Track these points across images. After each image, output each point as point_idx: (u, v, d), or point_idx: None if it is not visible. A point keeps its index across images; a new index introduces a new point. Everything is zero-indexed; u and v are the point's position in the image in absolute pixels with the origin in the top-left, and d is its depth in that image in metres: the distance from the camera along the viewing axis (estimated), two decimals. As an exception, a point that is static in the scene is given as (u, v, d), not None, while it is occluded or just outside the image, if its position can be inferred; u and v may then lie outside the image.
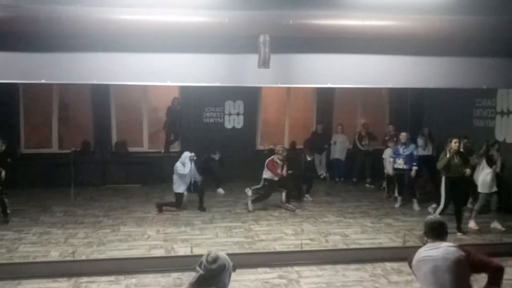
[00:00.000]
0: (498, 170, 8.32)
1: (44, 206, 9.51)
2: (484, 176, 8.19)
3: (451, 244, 3.68)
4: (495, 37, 6.67)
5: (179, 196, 9.14)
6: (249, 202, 9.36)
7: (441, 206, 8.02)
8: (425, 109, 12.69)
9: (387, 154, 10.59)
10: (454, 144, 7.94)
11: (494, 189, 8.21)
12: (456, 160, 7.97)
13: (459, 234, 7.86)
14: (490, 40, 6.75)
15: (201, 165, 10.11)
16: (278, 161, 9.39)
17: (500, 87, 9.01)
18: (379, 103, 13.38)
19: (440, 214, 7.97)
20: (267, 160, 9.51)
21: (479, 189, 8.28)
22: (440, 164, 8.08)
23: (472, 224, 8.26)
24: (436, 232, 3.74)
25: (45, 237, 7.52)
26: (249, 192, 10.25)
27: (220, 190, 10.92)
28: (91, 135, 12.01)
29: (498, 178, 8.32)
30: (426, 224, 3.82)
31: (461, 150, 8.27)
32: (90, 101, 11.95)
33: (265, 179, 9.49)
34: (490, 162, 8.19)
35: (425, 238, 3.82)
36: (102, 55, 6.39)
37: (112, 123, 12.10)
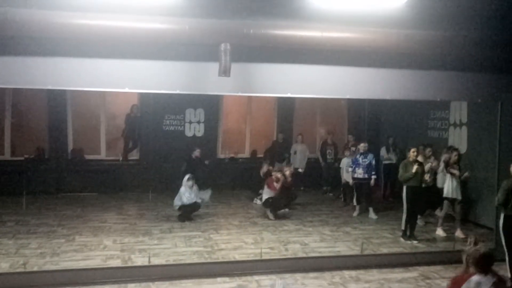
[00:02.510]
0: (462, 175, 8.41)
1: (-6, 215, 9.14)
2: (447, 183, 8.42)
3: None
4: (449, 52, 6.91)
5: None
6: (268, 212, 9.47)
7: (404, 216, 8.16)
8: (382, 120, 13.03)
9: (344, 163, 10.83)
10: (412, 153, 8.13)
11: (458, 196, 8.33)
12: (414, 168, 8.10)
13: (414, 242, 8.05)
14: (445, 55, 6.99)
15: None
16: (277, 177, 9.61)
17: (453, 99, 9.34)
18: (338, 113, 13.63)
19: (406, 223, 8.12)
20: (268, 179, 9.77)
21: (444, 196, 8.50)
22: (402, 177, 8.16)
23: (439, 232, 8.45)
24: (490, 264, 3.78)
25: (-5, 248, 7.22)
26: (257, 201, 10.48)
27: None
28: (46, 142, 11.66)
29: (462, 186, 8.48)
30: (482, 257, 3.76)
31: (419, 159, 8.43)
32: (46, 106, 11.60)
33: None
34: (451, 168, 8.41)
35: (473, 268, 3.78)
36: (59, 60, 6.22)
37: (68, 129, 11.79)
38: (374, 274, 6.71)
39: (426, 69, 7.22)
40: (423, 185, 8.35)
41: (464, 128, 9.92)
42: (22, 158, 10.89)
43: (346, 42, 6.53)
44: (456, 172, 8.36)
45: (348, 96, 7.73)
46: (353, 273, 6.72)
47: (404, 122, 11.83)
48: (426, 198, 8.72)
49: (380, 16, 6.55)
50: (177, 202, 9.09)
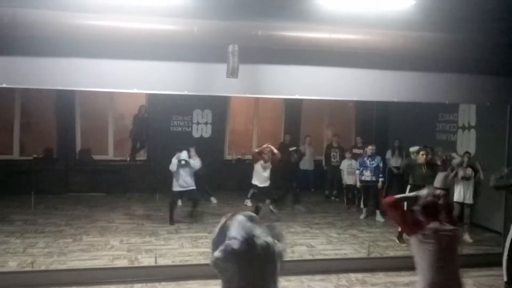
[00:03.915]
0: (480, 176, 8.35)
1: (2, 214, 9.16)
2: (457, 187, 8.37)
3: None
4: (457, 54, 6.88)
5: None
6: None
7: None
8: (390, 122, 12.98)
9: (345, 165, 10.82)
10: (421, 156, 8.07)
11: (468, 200, 8.29)
12: (424, 170, 8.06)
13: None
14: (452, 57, 6.96)
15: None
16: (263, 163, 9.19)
17: (462, 102, 9.29)
18: (345, 115, 13.59)
19: None
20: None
21: (454, 200, 8.45)
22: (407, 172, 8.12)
23: None
24: (433, 211, 3.88)
25: (3, 247, 7.25)
26: (248, 203, 10.29)
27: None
28: (54, 142, 11.73)
29: (475, 190, 8.43)
30: (426, 203, 3.88)
31: (429, 160, 8.37)
32: (54, 107, 11.67)
33: (254, 186, 9.32)
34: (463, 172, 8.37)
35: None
36: (68, 60, 6.25)
37: (76, 130, 11.85)
38: (381, 277, 6.68)
39: (434, 72, 7.18)
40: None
41: (473, 131, 9.85)
42: (30, 158, 10.94)
43: (354, 44, 6.51)
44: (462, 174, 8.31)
45: (356, 98, 7.71)
46: (359, 275, 6.69)
47: (412, 125, 11.76)
48: None
49: (388, 18, 6.53)
50: (175, 188, 8.95)
